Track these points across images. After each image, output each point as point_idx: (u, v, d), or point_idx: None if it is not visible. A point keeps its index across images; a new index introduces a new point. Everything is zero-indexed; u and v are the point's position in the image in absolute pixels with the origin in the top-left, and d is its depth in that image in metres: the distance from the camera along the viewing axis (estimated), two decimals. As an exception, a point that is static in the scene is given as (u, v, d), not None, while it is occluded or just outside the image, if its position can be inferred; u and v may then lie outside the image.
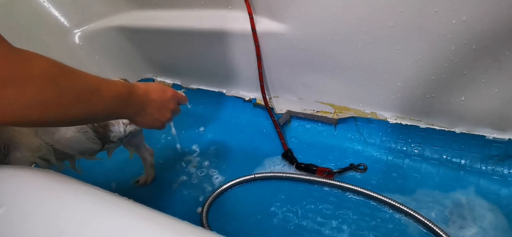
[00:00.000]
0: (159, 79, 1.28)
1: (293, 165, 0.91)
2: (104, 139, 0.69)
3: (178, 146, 1.04)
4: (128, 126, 0.72)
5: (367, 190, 0.78)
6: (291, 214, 0.79)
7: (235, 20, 0.93)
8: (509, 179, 0.76)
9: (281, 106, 1.06)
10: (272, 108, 1.03)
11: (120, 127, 0.71)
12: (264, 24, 0.90)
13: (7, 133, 0.54)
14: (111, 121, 0.70)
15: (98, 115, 0.49)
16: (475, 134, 0.80)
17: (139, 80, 1.30)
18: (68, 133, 0.63)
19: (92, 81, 0.45)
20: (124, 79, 0.71)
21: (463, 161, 0.81)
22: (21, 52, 0.36)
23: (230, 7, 0.94)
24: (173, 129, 0.79)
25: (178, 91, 0.68)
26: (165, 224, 0.36)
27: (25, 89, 0.35)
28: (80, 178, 0.44)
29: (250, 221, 0.79)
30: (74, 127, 0.63)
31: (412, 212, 0.72)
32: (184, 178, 0.93)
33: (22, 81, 0.35)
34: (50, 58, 0.40)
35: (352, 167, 0.86)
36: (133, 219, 0.36)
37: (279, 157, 0.95)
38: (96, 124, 0.67)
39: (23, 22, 1.08)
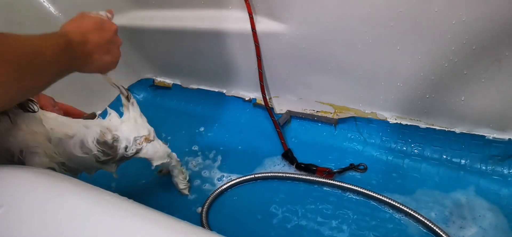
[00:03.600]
0: (159, 79, 1.28)
1: (293, 165, 0.91)
2: (111, 154, 0.69)
3: (178, 146, 1.04)
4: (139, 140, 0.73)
5: (367, 190, 0.78)
6: (291, 214, 0.79)
7: (235, 20, 0.93)
8: (509, 179, 0.76)
9: (281, 106, 1.06)
10: (272, 108, 1.03)
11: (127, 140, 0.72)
12: (264, 24, 0.90)
13: (21, 137, 0.51)
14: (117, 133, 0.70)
15: (47, 83, 0.42)
16: (475, 134, 0.80)
17: (139, 81, 1.30)
18: (76, 150, 0.62)
19: (31, 45, 0.39)
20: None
21: (463, 161, 0.81)
22: None
23: (230, 7, 0.94)
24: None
25: (108, 18, 0.60)
26: (165, 224, 0.36)
27: None
28: (80, 178, 0.44)
29: (250, 221, 0.79)
30: (80, 148, 0.62)
31: (412, 212, 0.72)
32: (184, 178, 0.93)
33: None
34: None
35: (352, 167, 0.86)
36: (133, 219, 0.36)
37: (279, 157, 0.94)
38: (101, 140, 0.66)
39: (23, 22, 1.08)
